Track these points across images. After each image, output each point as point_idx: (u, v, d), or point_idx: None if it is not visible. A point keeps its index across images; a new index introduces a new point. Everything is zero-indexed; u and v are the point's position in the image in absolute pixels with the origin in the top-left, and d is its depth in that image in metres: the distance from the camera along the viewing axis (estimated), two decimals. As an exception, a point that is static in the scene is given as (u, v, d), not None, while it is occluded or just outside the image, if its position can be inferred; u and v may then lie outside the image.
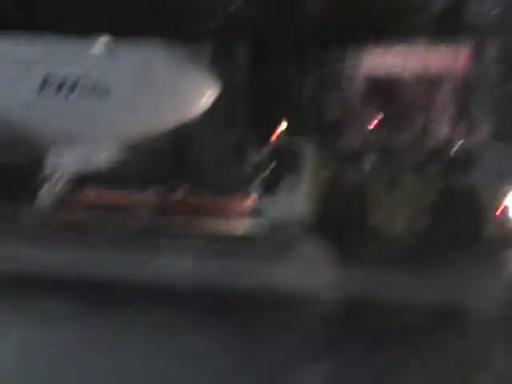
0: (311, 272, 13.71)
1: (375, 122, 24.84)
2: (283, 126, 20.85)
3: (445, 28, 22.84)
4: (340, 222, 16.22)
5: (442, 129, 22.50)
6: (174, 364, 8.39)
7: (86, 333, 9.41)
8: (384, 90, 23.17)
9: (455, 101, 22.64)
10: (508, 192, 15.78)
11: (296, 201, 17.45)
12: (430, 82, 23.50)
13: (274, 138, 20.52)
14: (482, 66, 21.44)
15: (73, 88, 17.23)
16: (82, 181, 18.38)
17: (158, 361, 8.53)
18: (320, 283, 13.07)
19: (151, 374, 7.96)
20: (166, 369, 8.20)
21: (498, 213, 15.51)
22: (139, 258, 14.42)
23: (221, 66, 20.57)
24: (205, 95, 18.75)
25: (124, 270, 13.64)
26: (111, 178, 19.27)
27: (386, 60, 22.19)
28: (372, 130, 24.12)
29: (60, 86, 17.38)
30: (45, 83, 17.07)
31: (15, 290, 11.46)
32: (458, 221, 15.10)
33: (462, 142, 18.89)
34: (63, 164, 17.34)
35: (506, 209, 15.43)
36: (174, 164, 20.32)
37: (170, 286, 12.20)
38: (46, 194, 16.98)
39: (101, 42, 18.45)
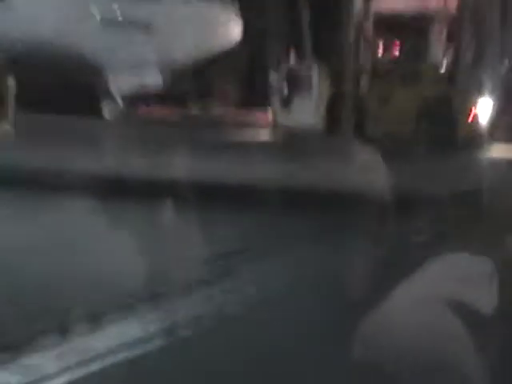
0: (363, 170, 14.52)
1: (381, 49, 27.86)
2: (297, 49, 23.23)
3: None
4: (342, 131, 18.91)
5: (434, 53, 25.53)
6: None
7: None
8: (389, 24, 25.36)
9: (447, 33, 25.73)
10: (478, 102, 18.89)
11: (307, 114, 20.32)
12: (427, 18, 26.26)
13: (289, 60, 23.24)
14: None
15: (127, 24, 20.44)
16: (134, 99, 20.96)
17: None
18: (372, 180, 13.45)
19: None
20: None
21: (470, 119, 18.58)
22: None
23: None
24: (233, 28, 22.22)
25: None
26: (157, 96, 21.92)
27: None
28: (378, 56, 27.30)
29: (118, 23, 20.50)
30: (104, 20, 20.16)
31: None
32: (436, 126, 17.68)
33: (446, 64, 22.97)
34: (121, 85, 20.57)
35: (476, 116, 18.49)
36: (202, 82, 22.77)
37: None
38: (109, 110, 20.99)
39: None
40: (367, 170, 13.68)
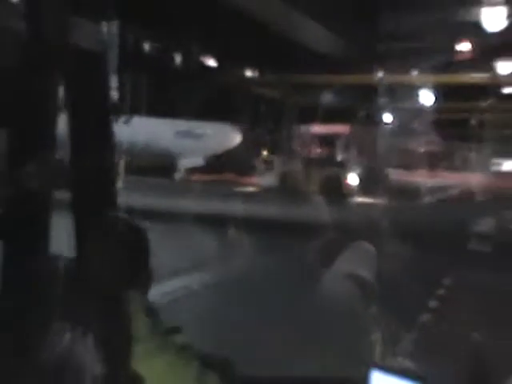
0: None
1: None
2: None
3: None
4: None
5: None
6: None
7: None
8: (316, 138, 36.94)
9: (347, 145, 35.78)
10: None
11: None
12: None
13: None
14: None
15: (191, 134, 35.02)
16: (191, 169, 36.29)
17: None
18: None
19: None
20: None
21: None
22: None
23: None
24: (234, 140, 36.82)
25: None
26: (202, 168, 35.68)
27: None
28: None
29: (186, 133, 34.85)
30: (178, 132, 35.02)
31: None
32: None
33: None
34: (185, 164, 35.09)
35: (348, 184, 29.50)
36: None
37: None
38: (178, 175, 35.05)
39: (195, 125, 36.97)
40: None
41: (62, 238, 3.57)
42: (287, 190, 27.88)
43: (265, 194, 27.58)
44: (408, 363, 4.63)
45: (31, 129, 3.35)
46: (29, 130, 3.34)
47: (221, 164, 35.21)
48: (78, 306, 3.01)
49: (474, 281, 11.42)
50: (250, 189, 30.75)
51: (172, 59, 37.21)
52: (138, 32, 33.54)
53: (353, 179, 28.59)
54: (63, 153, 3.53)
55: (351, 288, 4.92)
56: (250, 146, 34.70)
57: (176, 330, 3.04)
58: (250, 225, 17.14)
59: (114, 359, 2.91)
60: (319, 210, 15.44)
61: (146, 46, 35.91)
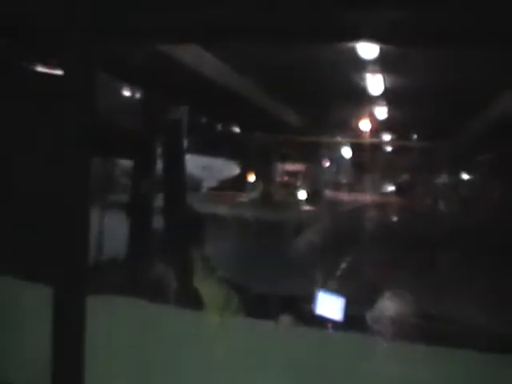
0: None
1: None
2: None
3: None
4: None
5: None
6: None
7: None
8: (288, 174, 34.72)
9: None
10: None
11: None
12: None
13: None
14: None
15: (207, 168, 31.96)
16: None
17: None
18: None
19: None
20: None
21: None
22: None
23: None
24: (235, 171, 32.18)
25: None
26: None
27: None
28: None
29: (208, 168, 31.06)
30: (204, 167, 30.38)
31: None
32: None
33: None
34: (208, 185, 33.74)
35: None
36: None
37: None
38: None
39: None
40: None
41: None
42: (265, 201, 25.69)
43: (252, 203, 24.49)
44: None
45: (147, 163, 3.80)
46: (146, 163, 3.79)
47: (226, 185, 33.06)
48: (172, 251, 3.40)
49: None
50: (244, 200, 27.59)
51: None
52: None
53: (303, 195, 28.86)
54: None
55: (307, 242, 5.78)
56: (244, 175, 34.84)
57: (216, 267, 3.39)
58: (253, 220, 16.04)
59: (184, 280, 3.25)
60: (285, 212, 15.83)
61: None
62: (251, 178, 37.59)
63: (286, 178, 37.78)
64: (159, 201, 3.70)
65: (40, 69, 3.05)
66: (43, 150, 2.23)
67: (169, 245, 3.50)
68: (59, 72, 2.05)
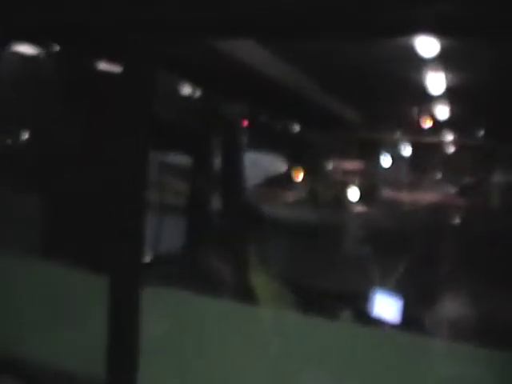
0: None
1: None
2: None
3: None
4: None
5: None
6: None
7: None
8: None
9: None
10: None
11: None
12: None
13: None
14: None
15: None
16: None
17: None
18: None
19: None
20: None
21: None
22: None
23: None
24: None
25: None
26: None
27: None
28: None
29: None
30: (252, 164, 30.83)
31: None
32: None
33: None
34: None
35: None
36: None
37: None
38: None
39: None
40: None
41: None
42: (318, 199, 26.72)
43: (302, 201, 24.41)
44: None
45: (205, 159, 3.90)
46: (204, 160, 3.90)
47: (275, 182, 32.48)
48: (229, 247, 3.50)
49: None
50: (293, 198, 27.47)
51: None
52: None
53: (357, 194, 28.08)
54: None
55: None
56: (294, 172, 34.27)
57: (270, 264, 3.48)
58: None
59: (239, 275, 3.36)
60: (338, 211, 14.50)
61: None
62: (300, 175, 37.55)
63: (339, 176, 37.67)
64: (216, 197, 3.85)
65: (103, 68, 3.17)
66: (105, 147, 2.38)
67: (225, 240, 3.57)
68: (121, 71, 2.15)
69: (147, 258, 3.28)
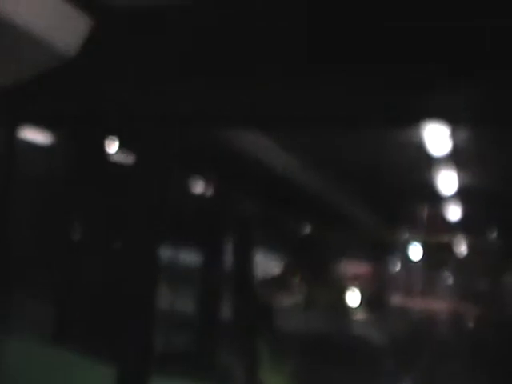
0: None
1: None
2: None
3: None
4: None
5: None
6: None
7: None
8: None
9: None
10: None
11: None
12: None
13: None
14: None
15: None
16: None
17: None
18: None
19: None
20: None
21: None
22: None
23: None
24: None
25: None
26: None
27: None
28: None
29: None
30: None
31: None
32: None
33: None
34: None
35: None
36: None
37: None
38: None
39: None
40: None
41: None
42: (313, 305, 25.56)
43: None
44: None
45: (216, 255, 3.72)
46: (215, 256, 3.72)
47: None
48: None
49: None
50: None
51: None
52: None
53: (359, 300, 26.75)
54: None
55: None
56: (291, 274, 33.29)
57: (283, 361, 3.31)
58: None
59: (249, 370, 3.18)
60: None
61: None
62: (296, 277, 36.34)
63: (341, 280, 36.08)
64: (227, 292, 3.70)
65: (115, 159, 3.14)
66: (113, 238, 2.29)
67: (236, 334, 3.42)
68: (134, 164, 2.08)
69: (159, 351, 3.19)
